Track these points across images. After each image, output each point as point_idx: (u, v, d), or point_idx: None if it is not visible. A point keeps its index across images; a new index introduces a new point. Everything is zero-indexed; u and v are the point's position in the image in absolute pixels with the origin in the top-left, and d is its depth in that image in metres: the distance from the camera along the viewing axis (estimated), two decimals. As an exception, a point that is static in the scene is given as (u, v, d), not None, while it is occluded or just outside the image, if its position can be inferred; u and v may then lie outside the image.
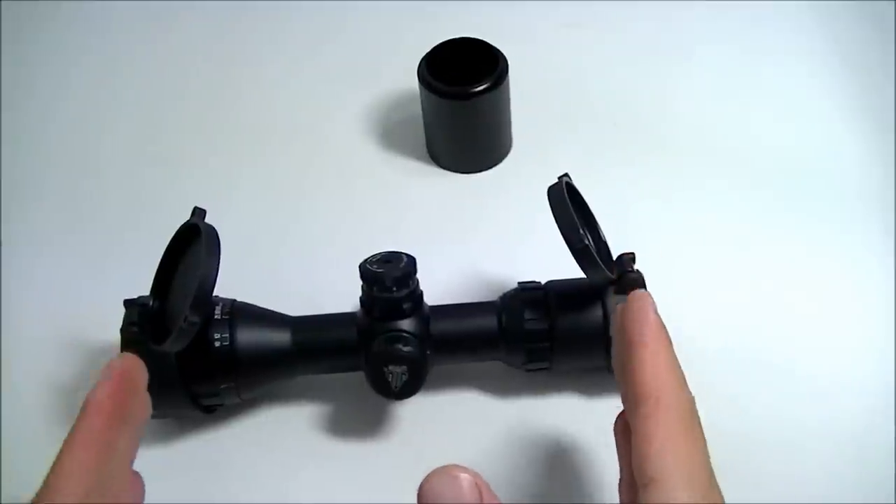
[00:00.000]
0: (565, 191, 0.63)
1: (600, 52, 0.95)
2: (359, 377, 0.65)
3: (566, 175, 0.66)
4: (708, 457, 0.49)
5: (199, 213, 0.64)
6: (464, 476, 0.45)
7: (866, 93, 0.89)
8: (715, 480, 0.48)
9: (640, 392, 0.49)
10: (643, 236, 0.73)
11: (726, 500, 0.62)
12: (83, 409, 0.51)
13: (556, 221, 0.62)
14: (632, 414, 0.50)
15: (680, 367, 0.52)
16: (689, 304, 0.73)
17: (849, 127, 0.86)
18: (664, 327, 0.53)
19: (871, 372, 0.70)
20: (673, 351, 0.52)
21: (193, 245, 0.63)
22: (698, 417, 0.50)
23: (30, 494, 0.66)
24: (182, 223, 0.64)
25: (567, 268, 0.63)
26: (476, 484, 0.45)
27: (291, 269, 0.78)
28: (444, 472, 0.45)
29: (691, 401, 0.50)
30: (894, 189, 0.80)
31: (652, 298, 0.54)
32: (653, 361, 0.50)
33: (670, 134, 0.87)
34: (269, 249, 0.80)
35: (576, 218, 0.62)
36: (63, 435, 0.68)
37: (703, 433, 0.49)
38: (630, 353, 0.51)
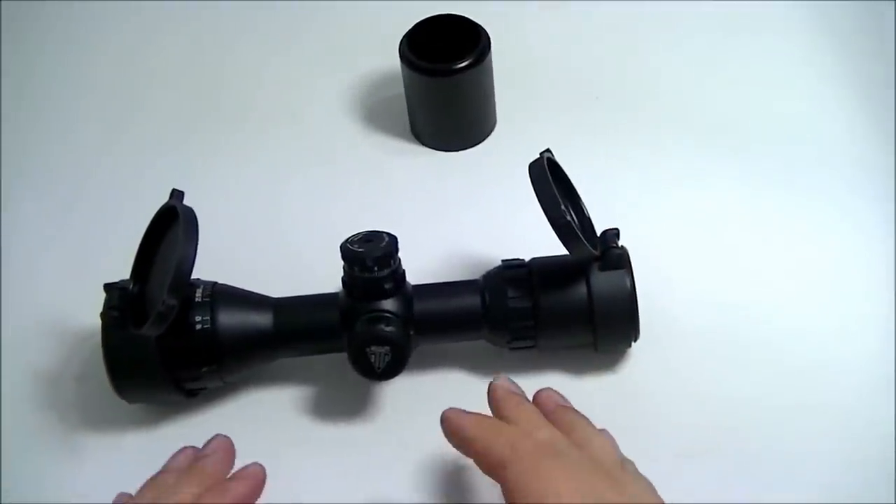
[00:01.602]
0: (546, 167, 0.62)
1: (583, 28, 0.94)
2: (342, 358, 0.65)
3: (548, 151, 0.66)
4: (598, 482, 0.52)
5: (177, 195, 0.63)
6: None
7: (853, 64, 0.88)
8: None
9: (491, 460, 0.54)
10: (628, 212, 0.73)
11: (713, 485, 0.62)
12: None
13: (538, 198, 0.61)
14: (498, 479, 0.54)
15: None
16: (674, 280, 0.73)
17: (836, 99, 0.85)
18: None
19: (865, 349, 0.69)
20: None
21: (172, 228, 0.63)
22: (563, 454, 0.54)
23: (19, 476, 0.66)
24: (161, 206, 0.64)
25: (551, 245, 0.62)
26: None
27: (274, 250, 0.78)
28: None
29: (542, 445, 0.54)
30: None
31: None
32: (487, 438, 0.55)
33: (654, 108, 0.86)
34: (251, 231, 0.79)
35: (557, 194, 0.61)
36: (48, 420, 0.69)
37: (577, 464, 0.53)
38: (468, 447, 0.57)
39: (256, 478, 0.61)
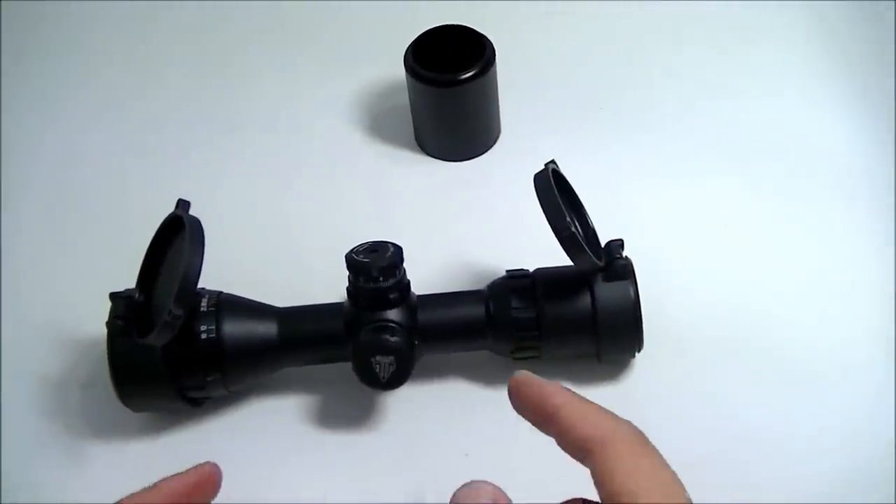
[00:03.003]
0: (552, 178, 0.63)
1: (587, 38, 0.95)
2: (347, 368, 0.65)
3: (553, 162, 0.66)
4: (673, 473, 0.48)
5: (183, 205, 0.63)
6: (484, 486, 0.52)
7: (853, 71, 0.88)
8: (687, 494, 0.48)
9: (583, 437, 0.48)
10: (633, 222, 0.73)
11: (717, 496, 0.61)
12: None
13: (543, 209, 0.61)
14: (585, 461, 0.48)
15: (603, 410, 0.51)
16: (678, 291, 0.73)
17: (838, 107, 0.86)
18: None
19: (868, 357, 0.69)
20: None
21: (178, 237, 0.63)
22: (649, 442, 0.49)
23: (24, 483, 0.66)
24: (167, 215, 0.64)
25: (556, 255, 0.63)
26: (493, 493, 0.51)
27: (278, 259, 0.78)
28: (467, 484, 0.53)
29: (634, 429, 0.49)
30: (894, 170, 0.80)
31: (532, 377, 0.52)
32: (580, 411, 0.49)
33: (658, 119, 0.86)
34: (256, 240, 0.80)
35: (562, 205, 0.61)
36: (53, 428, 0.69)
37: (659, 454, 0.48)
38: (551, 417, 0.50)
39: (203, 472, 0.56)
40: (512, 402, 0.52)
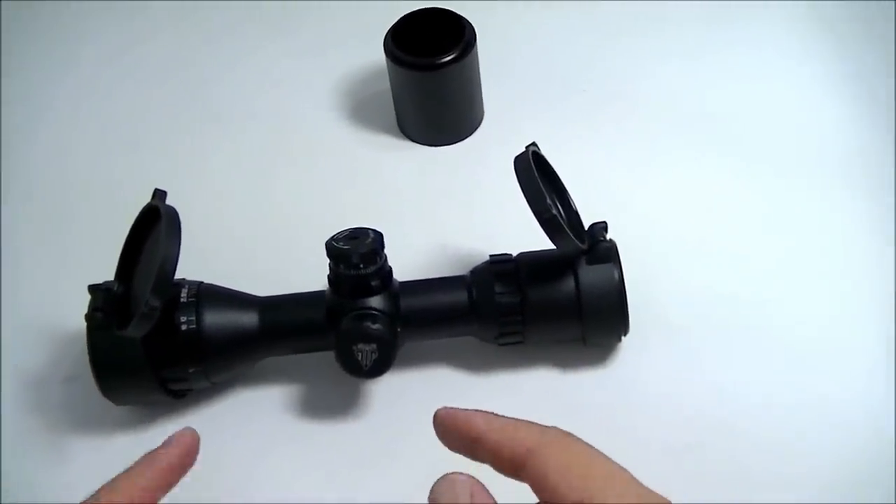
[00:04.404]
0: (532, 160, 0.62)
1: (569, 21, 0.94)
2: (330, 357, 0.64)
3: (534, 144, 0.66)
4: (608, 459, 0.48)
5: (159, 194, 0.63)
6: (461, 478, 0.47)
7: (845, 55, 0.88)
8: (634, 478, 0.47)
9: (512, 453, 0.48)
10: (617, 205, 0.72)
11: (703, 484, 0.61)
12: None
13: (523, 191, 0.61)
14: (521, 475, 0.48)
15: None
16: (664, 274, 0.73)
17: (828, 90, 0.85)
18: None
19: (859, 342, 0.69)
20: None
21: (155, 227, 0.62)
22: (581, 440, 0.48)
23: (6, 478, 0.65)
24: (144, 206, 0.63)
25: (539, 240, 0.62)
26: (471, 485, 0.48)
27: (260, 248, 0.77)
28: (443, 478, 0.48)
29: (562, 432, 0.48)
30: (892, 159, 0.79)
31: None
32: (505, 430, 0.49)
33: (642, 101, 0.86)
34: (236, 229, 0.79)
35: (543, 187, 0.61)
36: (35, 423, 0.68)
37: (593, 448, 0.48)
38: (478, 441, 0.50)
39: (185, 444, 0.54)
40: (440, 438, 0.52)
